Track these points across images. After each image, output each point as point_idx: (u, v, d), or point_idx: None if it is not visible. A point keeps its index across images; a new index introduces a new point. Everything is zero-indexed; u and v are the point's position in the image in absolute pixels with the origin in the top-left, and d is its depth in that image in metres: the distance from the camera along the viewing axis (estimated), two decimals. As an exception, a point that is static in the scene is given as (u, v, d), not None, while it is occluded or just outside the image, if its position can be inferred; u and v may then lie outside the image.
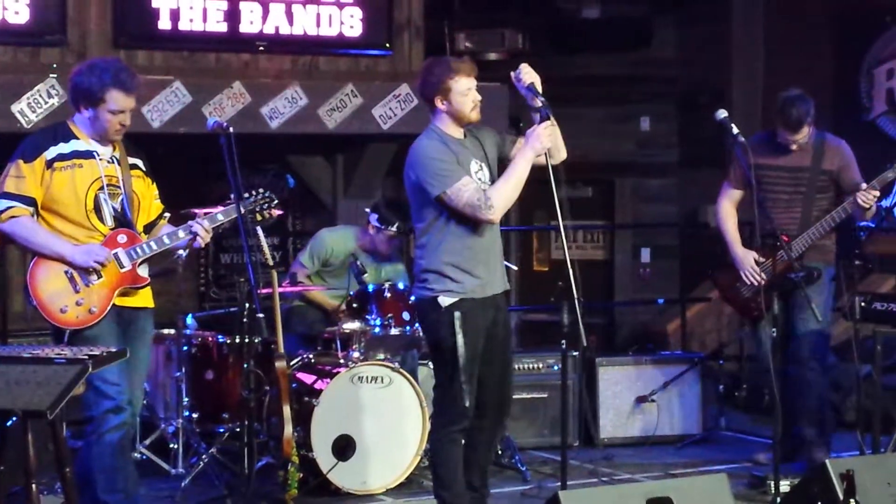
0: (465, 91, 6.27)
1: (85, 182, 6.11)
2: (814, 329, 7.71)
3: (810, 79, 11.53)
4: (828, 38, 12.12)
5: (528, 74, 6.34)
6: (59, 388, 4.73)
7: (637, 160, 12.81)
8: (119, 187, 6.19)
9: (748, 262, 7.82)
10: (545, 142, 6.19)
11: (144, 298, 6.36)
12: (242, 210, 6.46)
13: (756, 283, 7.66)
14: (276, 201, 6.63)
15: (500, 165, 6.43)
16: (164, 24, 9.30)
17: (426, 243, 6.39)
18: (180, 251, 7.67)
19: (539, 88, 6.30)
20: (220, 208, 6.44)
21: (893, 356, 9.26)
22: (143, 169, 6.40)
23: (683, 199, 12.67)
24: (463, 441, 6.40)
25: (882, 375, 7.80)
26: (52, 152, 6.07)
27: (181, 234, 6.31)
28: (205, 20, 9.41)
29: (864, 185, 7.64)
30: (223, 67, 9.59)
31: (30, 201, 6.05)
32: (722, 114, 7.02)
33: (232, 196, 6.45)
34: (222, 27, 9.47)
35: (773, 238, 7.67)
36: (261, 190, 6.61)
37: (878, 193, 7.65)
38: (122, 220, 6.20)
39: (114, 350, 5.30)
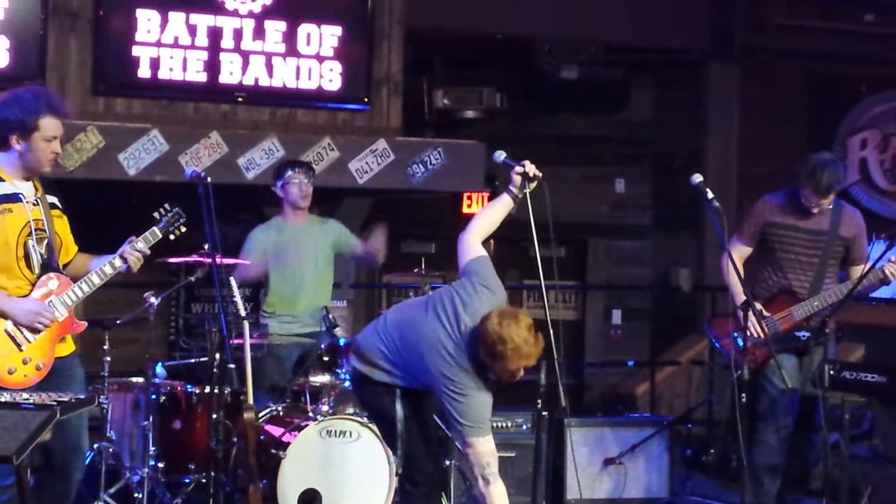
0: (510, 372, 6.06)
1: (16, 229, 5.93)
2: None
3: (785, 146, 11.67)
4: (803, 105, 12.23)
5: (532, 168, 6.23)
6: (26, 434, 4.68)
7: (611, 222, 12.85)
8: (44, 230, 6.04)
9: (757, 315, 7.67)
10: None
11: (67, 345, 6.19)
12: (160, 234, 6.34)
13: (758, 335, 7.53)
14: (183, 218, 6.44)
15: None
16: (144, 72, 9.34)
17: None
18: (152, 300, 7.69)
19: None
20: (146, 233, 6.30)
21: (861, 425, 9.28)
22: (61, 207, 6.23)
23: (656, 262, 12.72)
24: None
25: (849, 444, 7.80)
26: None
27: (117, 262, 6.16)
28: (184, 70, 9.44)
29: (893, 258, 7.61)
30: (201, 117, 9.62)
31: None
32: (697, 178, 6.99)
33: (206, 246, 6.43)
34: (202, 77, 9.51)
35: (788, 294, 7.70)
36: (167, 205, 6.42)
37: None
38: (49, 266, 6.04)
39: (82, 397, 5.24)
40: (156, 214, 6.38)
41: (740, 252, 7.90)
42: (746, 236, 7.95)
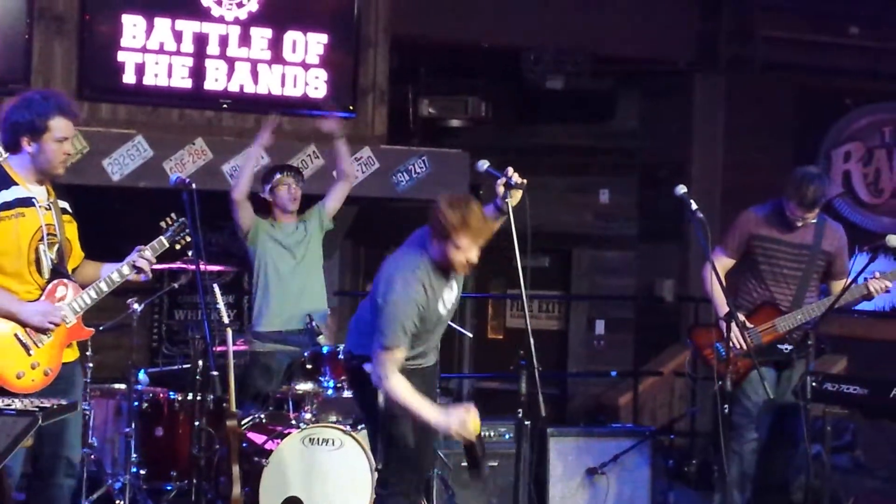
0: (462, 248, 6.07)
1: (28, 233, 5.94)
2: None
3: (769, 158, 11.69)
4: (788, 118, 12.24)
5: (515, 175, 6.13)
6: (7, 440, 4.68)
7: (595, 232, 12.86)
8: (56, 235, 6.05)
9: (740, 327, 7.62)
10: (452, 432, 6.13)
11: (72, 351, 6.21)
12: (167, 243, 6.34)
13: (740, 347, 7.56)
14: (189, 228, 6.44)
15: None
16: (129, 78, 9.32)
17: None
18: (135, 306, 7.68)
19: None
20: (153, 242, 6.32)
21: (843, 437, 9.29)
22: (71, 212, 6.25)
23: (640, 273, 12.72)
24: None
25: (831, 456, 7.81)
26: None
27: (125, 270, 6.17)
28: (170, 76, 9.43)
29: (877, 273, 7.64)
30: (186, 124, 9.61)
31: None
32: (681, 189, 7.01)
33: (190, 253, 6.42)
34: (187, 83, 9.50)
35: (771, 306, 7.71)
36: (173, 215, 6.43)
37: (890, 285, 7.66)
38: (58, 272, 6.05)
39: (64, 403, 5.23)
40: (162, 224, 6.40)
41: (724, 263, 7.90)
42: (731, 248, 7.96)
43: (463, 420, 6.03)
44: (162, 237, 6.35)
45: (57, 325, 5.97)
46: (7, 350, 5.87)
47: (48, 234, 6.02)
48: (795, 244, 7.83)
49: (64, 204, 6.20)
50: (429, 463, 6.67)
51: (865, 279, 7.62)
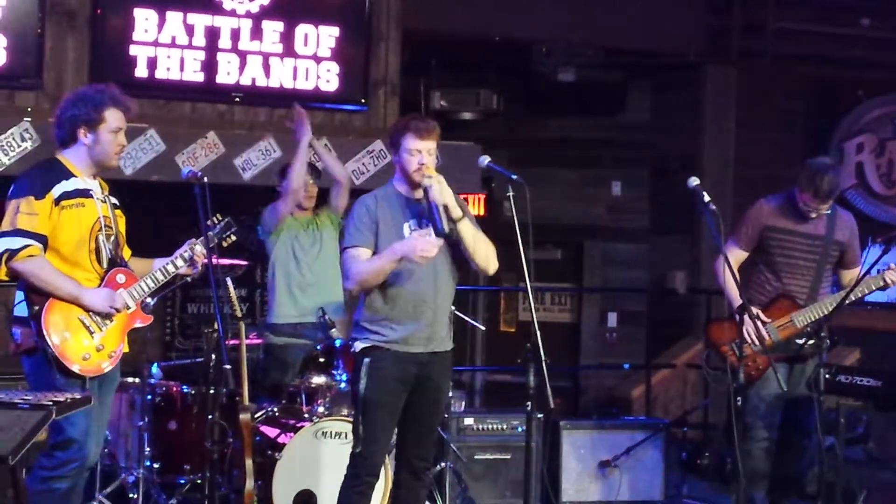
0: (410, 150, 6.38)
1: (89, 222, 6.10)
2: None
3: (781, 150, 11.68)
4: (800, 110, 12.23)
5: (440, 193, 6.32)
6: (21, 434, 4.68)
7: (607, 224, 12.85)
8: (111, 227, 6.22)
9: (754, 320, 7.60)
10: (418, 251, 6.23)
11: (125, 344, 6.32)
12: (215, 240, 6.50)
13: (759, 343, 7.54)
14: (234, 227, 6.63)
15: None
16: (141, 71, 9.33)
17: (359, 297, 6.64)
18: (148, 300, 7.71)
19: (449, 212, 6.34)
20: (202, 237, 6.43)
21: (856, 429, 9.28)
22: (121, 206, 6.40)
23: (652, 265, 12.72)
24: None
25: (844, 448, 7.80)
26: (57, 190, 6.01)
27: (178, 262, 6.37)
28: (182, 70, 9.44)
29: (892, 265, 7.62)
30: (198, 117, 9.61)
31: (43, 239, 5.97)
32: (694, 181, 6.98)
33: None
34: (199, 77, 9.51)
35: (787, 299, 7.69)
36: (219, 216, 6.57)
37: None
38: (115, 262, 6.21)
39: (78, 397, 5.26)
40: (209, 222, 6.49)
41: (737, 256, 7.87)
42: (744, 240, 7.92)
43: (419, 240, 6.25)
44: (210, 233, 6.47)
45: (118, 310, 6.13)
46: (74, 333, 6.02)
47: (105, 226, 6.18)
48: (810, 235, 7.80)
49: (114, 199, 6.36)
50: (417, 451, 6.64)
51: (880, 271, 7.61)
